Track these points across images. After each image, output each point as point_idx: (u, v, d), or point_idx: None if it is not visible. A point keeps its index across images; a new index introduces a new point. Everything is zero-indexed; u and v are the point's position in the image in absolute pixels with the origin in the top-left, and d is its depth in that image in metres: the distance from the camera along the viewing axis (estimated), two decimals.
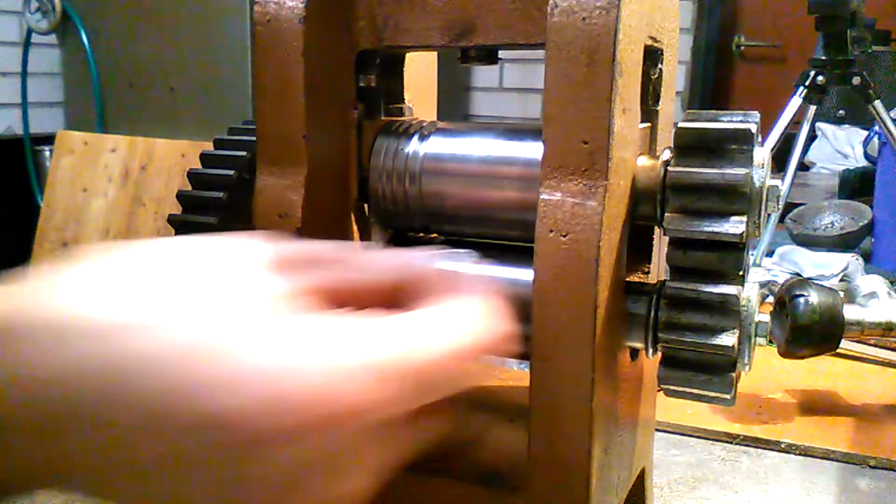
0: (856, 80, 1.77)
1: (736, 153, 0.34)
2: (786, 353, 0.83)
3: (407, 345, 0.25)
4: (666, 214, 0.35)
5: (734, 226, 0.33)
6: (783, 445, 0.88)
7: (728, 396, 0.35)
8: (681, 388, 0.36)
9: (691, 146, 0.35)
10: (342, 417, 0.22)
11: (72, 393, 0.21)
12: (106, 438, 0.21)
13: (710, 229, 0.34)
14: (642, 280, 0.41)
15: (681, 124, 0.35)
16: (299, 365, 0.22)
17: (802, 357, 0.84)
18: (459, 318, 0.27)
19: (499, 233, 0.40)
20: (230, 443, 0.21)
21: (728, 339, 0.34)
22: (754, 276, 1.69)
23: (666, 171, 0.35)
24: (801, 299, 0.81)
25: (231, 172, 0.42)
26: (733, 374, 0.35)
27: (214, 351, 0.22)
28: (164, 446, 0.21)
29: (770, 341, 0.41)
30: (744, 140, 0.34)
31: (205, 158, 0.43)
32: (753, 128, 0.34)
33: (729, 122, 0.34)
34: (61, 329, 0.22)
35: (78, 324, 0.22)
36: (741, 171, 0.33)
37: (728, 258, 0.34)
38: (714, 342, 0.34)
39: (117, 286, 0.23)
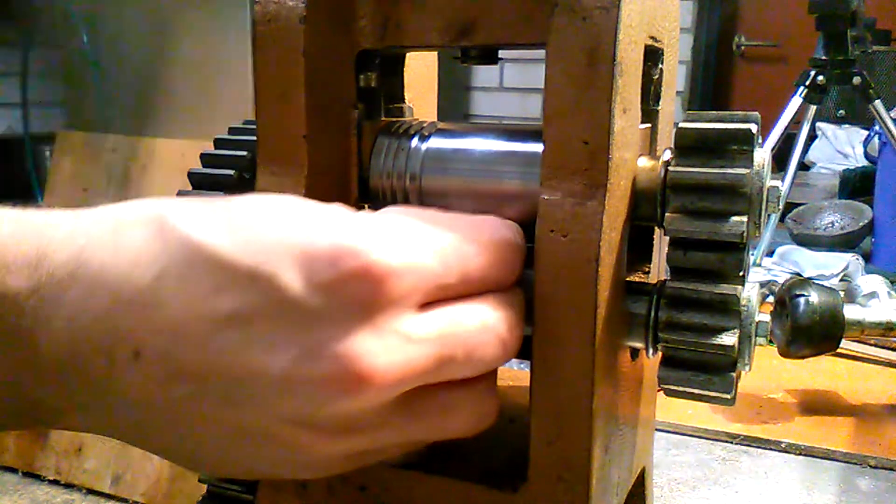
0: (856, 80, 1.78)
1: (736, 154, 0.34)
2: (786, 353, 0.83)
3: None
4: (666, 214, 0.35)
5: (735, 226, 0.33)
6: (783, 445, 0.88)
7: (728, 396, 0.35)
8: (681, 388, 0.36)
9: (692, 146, 0.35)
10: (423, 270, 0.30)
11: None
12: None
13: (710, 229, 0.34)
14: (642, 280, 0.41)
15: (681, 125, 0.35)
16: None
17: (802, 357, 0.84)
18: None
19: None
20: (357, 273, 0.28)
21: (728, 339, 0.34)
22: (754, 276, 1.69)
23: (666, 171, 0.35)
24: (802, 299, 0.81)
25: (231, 172, 0.42)
26: (734, 374, 0.35)
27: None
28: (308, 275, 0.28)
29: (770, 341, 0.41)
30: (744, 140, 0.34)
31: (205, 158, 0.43)
32: (754, 128, 0.34)
33: (730, 122, 0.34)
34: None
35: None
36: (742, 171, 0.33)
37: (728, 258, 0.34)
38: (714, 342, 0.34)
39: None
